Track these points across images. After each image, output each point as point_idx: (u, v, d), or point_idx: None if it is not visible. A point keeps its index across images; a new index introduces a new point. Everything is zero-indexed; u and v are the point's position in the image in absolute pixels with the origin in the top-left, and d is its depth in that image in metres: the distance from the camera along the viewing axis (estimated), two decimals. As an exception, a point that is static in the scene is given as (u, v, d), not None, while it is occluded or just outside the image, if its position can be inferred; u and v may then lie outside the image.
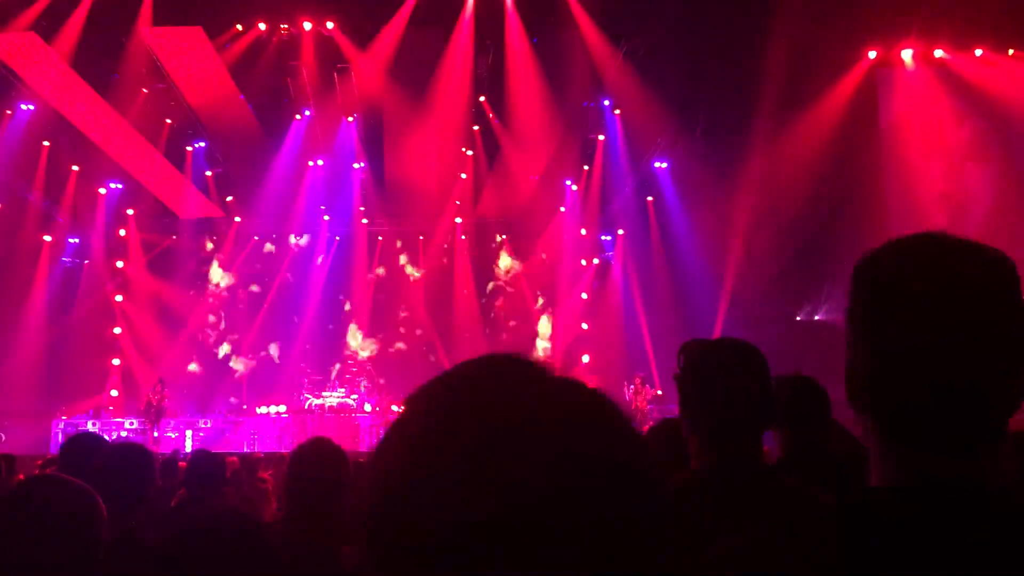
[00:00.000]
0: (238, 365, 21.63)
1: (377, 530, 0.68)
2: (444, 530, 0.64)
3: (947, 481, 1.04)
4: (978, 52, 17.26)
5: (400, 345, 22.44)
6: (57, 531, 1.93)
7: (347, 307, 22.53)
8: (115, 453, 2.86)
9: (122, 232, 21.20)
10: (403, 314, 22.62)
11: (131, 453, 2.89)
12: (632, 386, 17.25)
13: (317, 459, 2.67)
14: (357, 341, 22.13)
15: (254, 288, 22.43)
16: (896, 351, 1.07)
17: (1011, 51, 17.11)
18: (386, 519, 0.68)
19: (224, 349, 21.84)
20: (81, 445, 3.48)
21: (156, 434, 17.07)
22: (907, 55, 17.59)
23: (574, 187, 21.57)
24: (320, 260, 22.37)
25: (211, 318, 22.14)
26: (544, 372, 0.73)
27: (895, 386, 1.07)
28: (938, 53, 17.48)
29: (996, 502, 1.02)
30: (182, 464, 6.13)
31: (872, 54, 17.41)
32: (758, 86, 16.04)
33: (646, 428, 17.21)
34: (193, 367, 21.39)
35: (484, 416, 0.68)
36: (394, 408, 19.13)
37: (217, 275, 22.30)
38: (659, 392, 17.38)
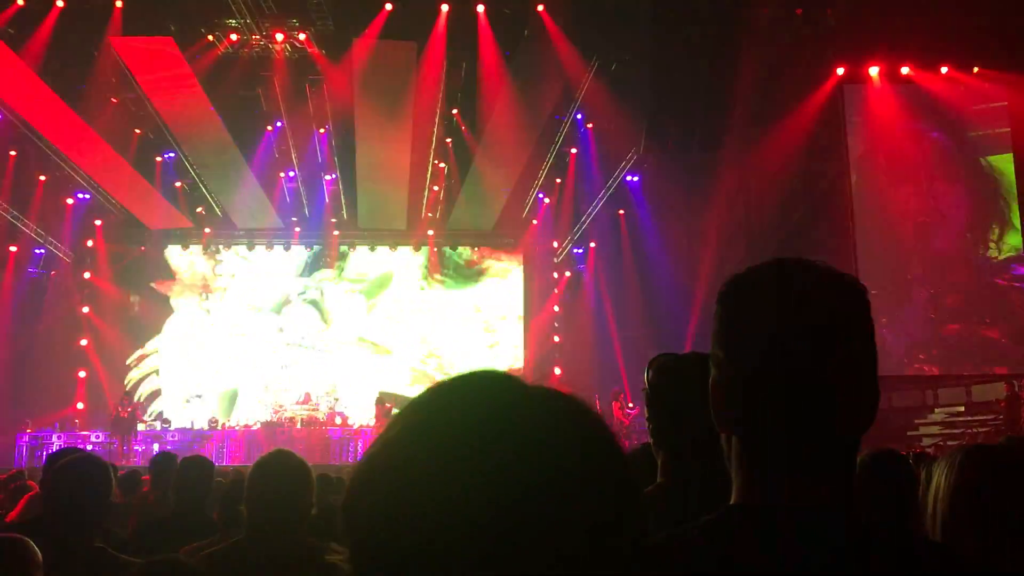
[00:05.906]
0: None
1: (361, 534, 0.71)
2: (421, 535, 0.66)
3: (778, 504, 1.04)
4: (943, 70, 17.55)
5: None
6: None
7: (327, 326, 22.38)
8: (68, 466, 2.76)
9: (90, 243, 20.94)
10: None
11: (86, 466, 2.79)
12: (617, 402, 17.24)
13: (279, 472, 2.57)
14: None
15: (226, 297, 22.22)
16: (745, 373, 1.09)
17: (976, 69, 17.40)
18: (369, 523, 0.70)
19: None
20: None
21: (125, 448, 16.85)
22: (874, 72, 17.83)
23: (546, 200, 21.60)
24: (291, 271, 22.22)
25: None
26: (522, 384, 0.75)
27: (746, 407, 1.09)
28: (904, 70, 17.74)
29: (823, 526, 1.01)
30: (145, 478, 6.02)
31: (840, 71, 17.62)
32: (729, 100, 16.17)
33: (627, 444, 17.19)
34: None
35: (459, 426, 0.70)
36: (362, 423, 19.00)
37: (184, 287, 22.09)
38: (631, 405, 17.39)
